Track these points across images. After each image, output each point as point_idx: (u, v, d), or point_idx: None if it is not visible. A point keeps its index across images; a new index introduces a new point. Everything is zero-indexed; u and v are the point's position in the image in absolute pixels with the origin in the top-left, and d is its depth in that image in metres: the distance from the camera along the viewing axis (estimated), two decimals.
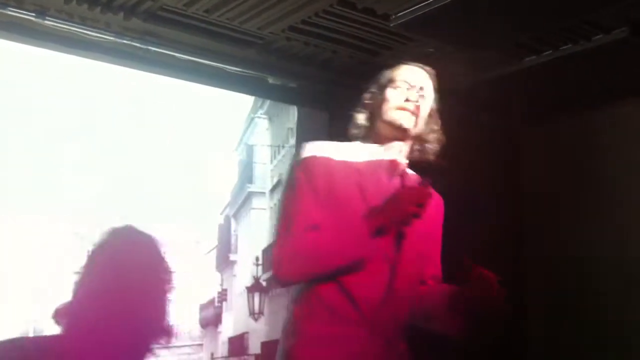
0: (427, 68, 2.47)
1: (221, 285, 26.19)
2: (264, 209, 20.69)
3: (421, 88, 2.39)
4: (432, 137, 2.45)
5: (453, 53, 3.74)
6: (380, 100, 2.39)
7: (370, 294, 2.19)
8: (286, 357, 2.22)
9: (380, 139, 2.39)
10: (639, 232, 3.93)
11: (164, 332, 1.82)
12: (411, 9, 3.35)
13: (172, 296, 1.85)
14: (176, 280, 1.87)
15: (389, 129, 2.36)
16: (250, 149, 23.28)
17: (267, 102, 20.18)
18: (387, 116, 2.35)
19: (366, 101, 2.45)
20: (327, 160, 2.27)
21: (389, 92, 2.38)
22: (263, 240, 17.69)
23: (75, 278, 1.78)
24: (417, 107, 2.35)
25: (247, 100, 22.73)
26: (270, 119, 21.70)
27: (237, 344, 20.77)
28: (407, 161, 2.43)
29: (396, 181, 2.34)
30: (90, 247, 1.83)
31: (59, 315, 1.77)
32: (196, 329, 27.82)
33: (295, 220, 2.21)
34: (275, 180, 19.22)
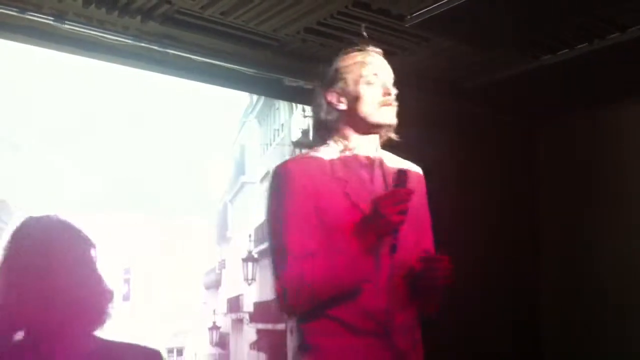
0: (379, 49, 2.37)
1: (221, 256, 29.73)
2: (255, 195, 23.35)
3: (389, 74, 2.31)
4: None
5: (469, 53, 3.74)
6: (354, 99, 2.27)
7: (377, 300, 2.16)
8: None
9: (355, 136, 2.30)
10: None
11: (99, 313, 1.75)
12: (426, 9, 3.35)
13: (99, 264, 1.78)
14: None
15: (370, 127, 2.28)
16: (242, 148, 26.28)
17: (258, 107, 22.95)
18: (369, 116, 2.26)
19: (333, 100, 2.30)
20: (310, 178, 2.19)
21: (364, 89, 2.26)
22: (254, 221, 20.64)
23: None
24: (394, 96, 2.28)
25: (241, 103, 26.23)
26: (259, 122, 23.98)
27: (234, 303, 24.60)
28: (379, 147, 2.35)
29: (378, 174, 2.28)
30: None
31: None
32: None
33: (289, 249, 2.14)
34: (264, 172, 21.42)
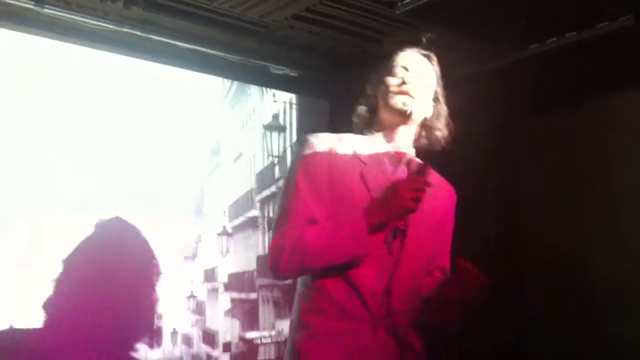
0: (427, 52, 2.41)
1: (197, 230, 30.66)
2: (228, 175, 24.62)
3: (420, 71, 2.34)
4: (439, 123, 2.40)
5: (458, 41, 3.70)
6: (379, 88, 2.35)
7: (377, 289, 2.16)
8: (293, 349, 2.21)
9: (384, 128, 2.35)
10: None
11: (150, 329, 1.77)
12: None
13: (159, 292, 1.79)
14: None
15: (391, 116, 2.32)
16: (217, 130, 27.59)
17: (231, 93, 23.93)
18: (387, 102, 2.30)
19: (367, 91, 2.40)
20: (329, 154, 2.23)
21: (387, 79, 2.33)
22: (227, 199, 22.51)
23: (60, 269, 1.72)
24: (416, 90, 2.30)
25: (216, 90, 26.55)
26: (232, 107, 24.91)
27: (210, 274, 25.92)
28: (413, 148, 2.38)
29: (402, 170, 2.28)
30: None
31: (46, 306, 1.70)
32: None
33: (293, 213, 2.18)
34: (237, 153, 22.86)
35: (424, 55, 2.40)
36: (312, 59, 3.96)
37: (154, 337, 1.78)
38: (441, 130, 2.40)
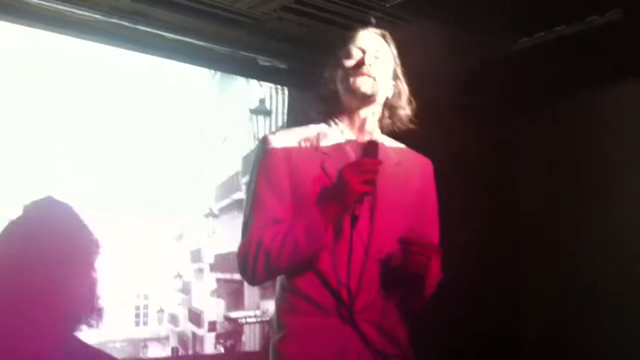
0: (382, 31, 2.36)
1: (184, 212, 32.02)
2: (213, 157, 25.46)
3: (377, 51, 2.29)
4: (401, 102, 2.34)
5: (447, 34, 3.70)
6: (337, 72, 2.29)
7: (347, 280, 2.11)
8: (274, 351, 2.19)
9: (346, 113, 2.29)
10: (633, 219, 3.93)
11: (92, 310, 1.71)
12: None
13: (100, 272, 1.73)
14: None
15: (353, 99, 2.26)
16: (203, 114, 28.93)
17: (217, 76, 23.72)
18: (347, 86, 2.24)
19: (325, 76, 2.33)
20: (288, 151, 2.19)
21: (345, 62, 2.27)
22: (214, 181, 22.18)
23: None
24: (375, 70, 2.24)
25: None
26: (220, 90, 25.71)
27: (196, 254, 25.87)
28: (378, 130, 2.33)
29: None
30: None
31: None
32: None
33: (256, 219, 2.15)
34: (224, 136, 23.12)
35: (380, 35, 2.35)
36: (301, 51, 3.93)
37: (93, 317, 1.72)
38: (404, 109, 2.35)
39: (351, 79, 2.24)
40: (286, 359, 2.15)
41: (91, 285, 1.72)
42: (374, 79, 2.24)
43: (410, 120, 2.35)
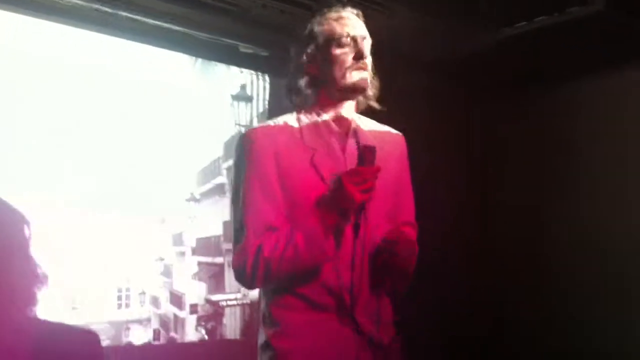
0: (357, 11, 2.30)
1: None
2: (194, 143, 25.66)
3: (364, 38, 2.22)
4: (371, 83, 2.27)
5: (429, 24, 3.70)
6: (325, 62, 2.20)
7: (342, 275, 2.13)
8: (266, 346, 2.18)
9: (328, 103, 2.24)
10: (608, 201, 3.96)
11: (29, 297, 1.71)
12: None
13: (34, 255, 1.73)
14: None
15: (345, 92, 2.21)
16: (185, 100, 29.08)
17: (199, 62, 23.84)
18: (342, 80, 2.18)
19: (304, 63, 2.24)
20: (275, 147, 2.14)
21: (337, 52, 2.18)
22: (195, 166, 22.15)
23: None
24: (369, 62, 2.21)
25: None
26: (202, 75, 26.07)
27: (177, 238, 27.83)
28: (356, 115, 2.30)
29: (351, 145, 2.20)
30: None
31: None
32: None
33: (250, 226, 2.10)
34: (205, 121, 23.49)
35: (357, 15, 2.29)
36: (282, 38, 3.91)
37: (37, 284, 1.72)
38: (372, 90, 2.29)
39: (349, 74, 2.18)
40: (282, 354, 2.13)
41: (31, 272, 1.71)
42: (369, 71, 2.21)
43: (376, 100, 2.30)
